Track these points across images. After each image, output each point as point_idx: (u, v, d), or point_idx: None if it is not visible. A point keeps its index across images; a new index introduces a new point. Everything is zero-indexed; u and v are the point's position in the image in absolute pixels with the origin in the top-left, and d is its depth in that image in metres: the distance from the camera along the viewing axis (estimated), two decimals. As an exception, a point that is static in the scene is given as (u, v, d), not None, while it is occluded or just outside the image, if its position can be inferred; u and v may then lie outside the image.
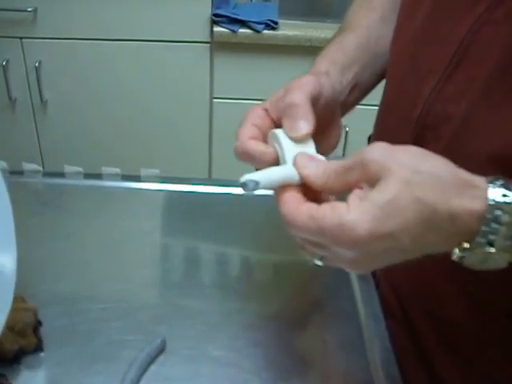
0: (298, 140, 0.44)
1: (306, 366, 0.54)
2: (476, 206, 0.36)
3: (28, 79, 1.65)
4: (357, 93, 0.57)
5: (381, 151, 0.38)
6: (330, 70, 0.53)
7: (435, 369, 0.58)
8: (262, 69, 1.63)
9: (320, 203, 0.39)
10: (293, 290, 0.65)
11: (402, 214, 0.36)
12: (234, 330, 0.57)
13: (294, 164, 0.42)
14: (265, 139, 0.46)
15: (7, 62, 1.61)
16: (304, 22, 1.61)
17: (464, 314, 0.54)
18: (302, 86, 0.45)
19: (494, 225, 0.36)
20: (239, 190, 0.75)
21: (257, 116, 0.47)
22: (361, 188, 0.39)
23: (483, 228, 0.37)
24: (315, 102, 0.45)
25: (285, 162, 0.43)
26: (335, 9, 1.87)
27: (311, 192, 0.42)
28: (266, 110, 0.47)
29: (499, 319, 0.52)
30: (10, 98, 1.67)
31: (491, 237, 0.37)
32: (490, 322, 0.53)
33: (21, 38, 1.59)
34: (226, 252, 0.69)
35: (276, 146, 0.45)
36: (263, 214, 0.74)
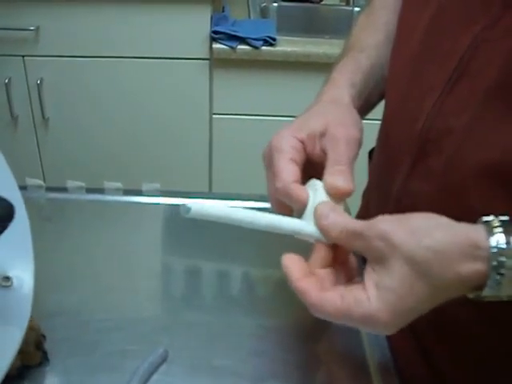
0: (337, 196, 0.47)
1: (306, 375, 0.55)
2: (481, 266, 0.39)
3: (30, 96, 1.67)
4: (365, 112, 0.60)
5: (385, 226, 0.41)
6: (353, 95, 0.56)
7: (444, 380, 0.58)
8: (261, 84, 1.65)
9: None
10: (294, 304, 0.65)
11: (416, 291, 0.40)
12: (235, 340, 0.58)
13: (315, 212, 0.46)
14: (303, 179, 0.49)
15: (9, 79, 1.63)
16: (302, 38, 1.63)
17: (473, 324, 0.53)
18: (351, 140, 0.49)
19: (500, 272, 0.39)
20: (240, 204, 0.77)
21: (293, 148, 0.49)
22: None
23: (489, 283, 0.39)
24: None
25: (308, 211, 0.46)
26: (333, 25, 1.90)
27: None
28: (303, 143, 0.49)
29: (510, 330, 0.52)
30: (12, 115, 1.69)
31: (501, 280, 0.39)
32: (501, 334, 0.53)
33: (23, 56, 1.61)
34: (228, 265, 0.69)
35: (310, 193, 0.47)
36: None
